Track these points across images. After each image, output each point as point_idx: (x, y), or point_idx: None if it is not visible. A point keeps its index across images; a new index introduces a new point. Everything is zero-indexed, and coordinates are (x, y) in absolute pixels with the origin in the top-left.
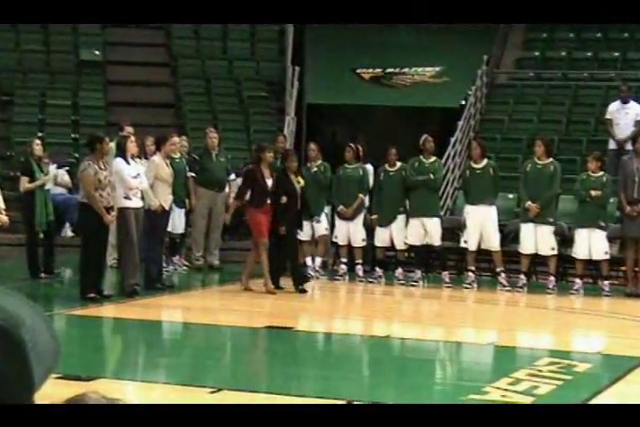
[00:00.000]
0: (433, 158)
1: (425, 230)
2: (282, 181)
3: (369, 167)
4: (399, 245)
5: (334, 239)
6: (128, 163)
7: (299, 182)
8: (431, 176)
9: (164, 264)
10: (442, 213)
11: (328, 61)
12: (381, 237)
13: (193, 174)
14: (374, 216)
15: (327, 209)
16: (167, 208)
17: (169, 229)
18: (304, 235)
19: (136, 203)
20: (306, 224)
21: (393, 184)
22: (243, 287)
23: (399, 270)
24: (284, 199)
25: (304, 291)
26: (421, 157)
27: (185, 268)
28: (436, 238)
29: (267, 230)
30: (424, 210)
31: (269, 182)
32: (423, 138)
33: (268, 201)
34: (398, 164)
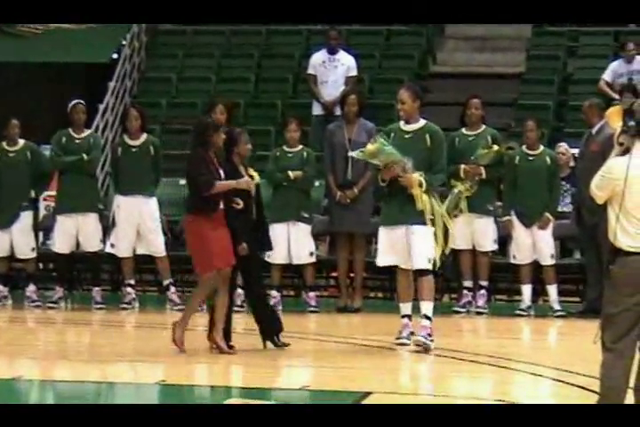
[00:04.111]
0: (86, 132)
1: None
2: (230, 176)
3: None
4: (20, 254)
5: None
6: None
7: (252, 178)
8: (84, 156)
9: None
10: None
11: None
12: None
13: None
14: None
15: None
16: None
17: None
18: None
19: None
20: None
21: (13, 168)
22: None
23: (31, 288)
24: (239, 203)
25: (284, 344)
26: (70, 130)
27: None
28: (92, 243)
29: (226, 257)
30: (76, 203)
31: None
32: (71, 105)
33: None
34: (21, 141)
